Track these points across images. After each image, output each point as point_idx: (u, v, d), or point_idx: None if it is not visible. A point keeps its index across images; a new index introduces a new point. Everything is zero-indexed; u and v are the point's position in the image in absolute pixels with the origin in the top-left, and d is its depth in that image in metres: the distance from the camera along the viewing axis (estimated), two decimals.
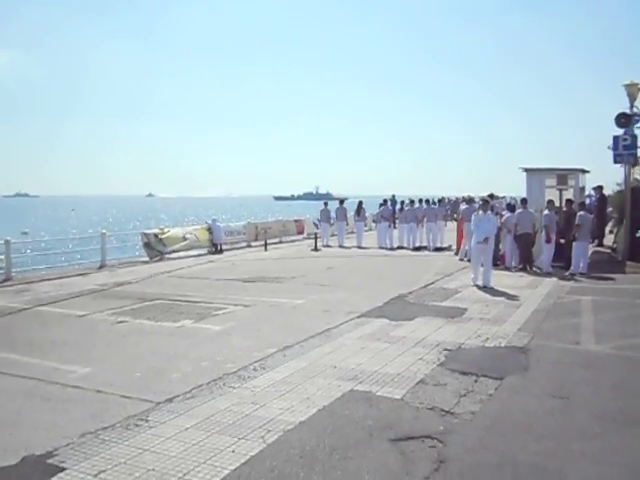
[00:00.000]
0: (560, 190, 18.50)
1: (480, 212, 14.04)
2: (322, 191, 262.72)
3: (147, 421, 5.68)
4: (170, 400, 6.26)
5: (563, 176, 17.92)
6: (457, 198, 41.79)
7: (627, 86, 16.67)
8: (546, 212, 15.82)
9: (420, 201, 24.08)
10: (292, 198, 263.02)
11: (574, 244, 15.26)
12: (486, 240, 13.53)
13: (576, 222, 15.19)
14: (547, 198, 16.57)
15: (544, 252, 15.86)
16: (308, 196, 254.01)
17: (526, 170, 17.31)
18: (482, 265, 13.70)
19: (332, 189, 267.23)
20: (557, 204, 17.97)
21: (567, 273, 14.91)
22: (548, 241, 15.66)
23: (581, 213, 15.42)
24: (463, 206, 21.19)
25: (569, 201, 16.70)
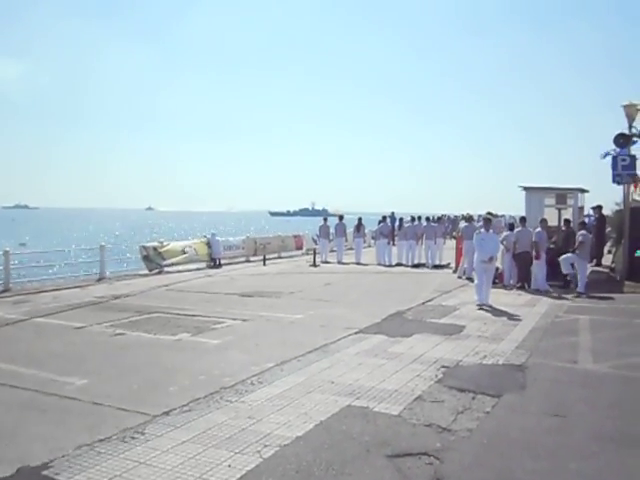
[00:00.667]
0: (559, 209, 18.58)
1: (482, 230, 13.91)
2: (318, 207, 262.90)
3: (143, 434, 5.66)
4: (167, 413, 6.24)
5: (562, 195, 18.03)
6: (456, 216, 41.91)
7: (626, 107, 16.78)
8: (538, 230, 15.83)
9: (419, 218, 24.15)
10: (288, 214, 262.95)
11: (577, 262, 15.24)
12: (491, 259, 13.41)
13: (579, 239, 15.21)
14: (544, 217, 16.59)
15: (537, 271, 15.84)
16: (304, 212, 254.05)
17: (525, 189, 17.40)
18: None
19: (328, 205, 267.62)
20: (556, 223, 18.05)
21: (573, 296, 14.85)
22: (537, 257, 15.67)
23: (582, 232, 15.45)
24: (462, 224, 21.25)
25: (567, 221, 16.77)
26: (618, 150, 16.85)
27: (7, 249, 16.76)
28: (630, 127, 16.80)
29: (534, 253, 15.71)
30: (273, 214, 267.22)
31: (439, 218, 25.42)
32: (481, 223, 16.43)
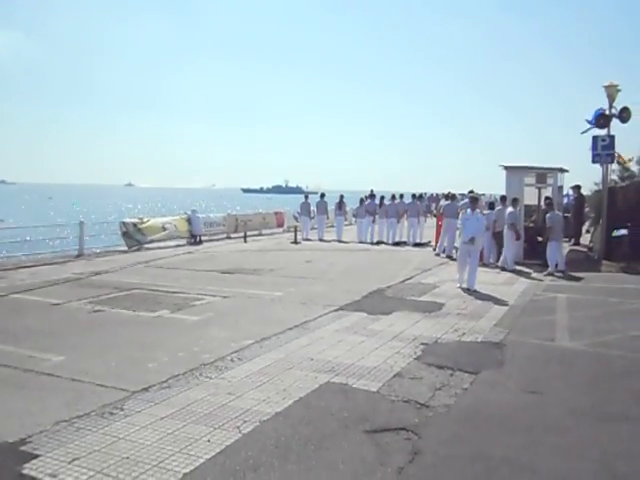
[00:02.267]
0: (539, 188, 18.70)
1: (468, 210, 13.45)
2: (292, 184, 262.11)
3: (122, 410, 5.65)
4: (146, 389, 6.23)
5: (542, 175, 18.12)
6: (437, 194, 41.96)
7: (607, 87, 16.83)
8: (510, 210, 15.87)
9: (401, 196, 24.15)
10: (261, 191, 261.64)
11: (548, 244, 15.34)
12: (472, 240, 12.85)
13: (547, 224, 15.29)
14: (516, 197, 16.55)
15: (509, 250, 15.89)
16: (277, 189, 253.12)
17: (506, 168, 17.44)
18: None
19: (302, 183, 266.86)
20: (535, 202, 18.17)
21: (545, 273, 14.96)
22: (518, 238, 15.79)
23: (549, 215, 15.44)
24: (444, 202, 21.27)
25: (548, 199, 16.85)
26: (591, 120, 17.00)
27: None
28: (610, 107, 16.87)
29: (512, 235, 15.71)
30: (246, 191, 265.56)
31: (420, 196, 25.34)
32: (465, 201, 16.38)
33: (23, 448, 4.80)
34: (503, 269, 15.66)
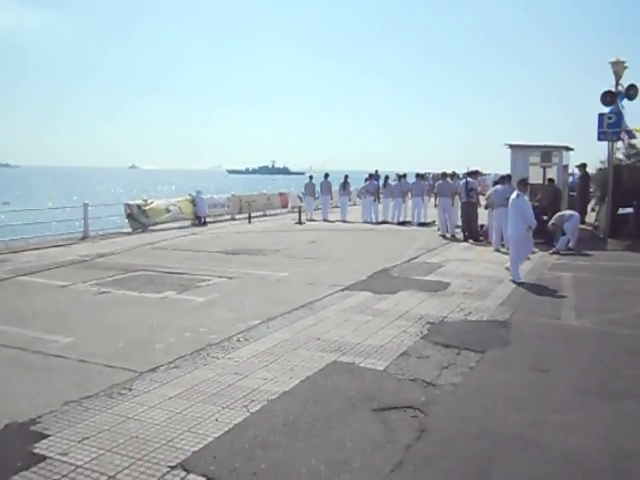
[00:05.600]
0: (544, 167, 18.59)
1: (520, 194, 11.50)
2: (278, 165, 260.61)
3: (131, 390, 5.69)
4: (154, 370, 6.27)
5: (547, 153, 18.02)
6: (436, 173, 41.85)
7: (613, 64, 16.68)
8: (502, 187, 15.33)
9: (405, 176, 24.07)
10: (247, 172, 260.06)
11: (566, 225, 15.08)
12: (530, 228, 11.52)
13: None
14: (508, 173, 16.35)
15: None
16: (263, 170, 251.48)
17: (511, 147, 17.35)
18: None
19: (289, 163, 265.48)
20: (541, 181, 18.07)
21: (550, 252, 14.85)
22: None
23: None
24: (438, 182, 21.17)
25: (550, 180, 16.82)
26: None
27: None
28: (617, 85, 16.73)
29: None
30: (231, 172, 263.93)
31: (423, 175, 25.26)
32: (499, 185, 15.69)
33: (33, 428, 4.84)
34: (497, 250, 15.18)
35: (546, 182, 17.41)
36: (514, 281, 11.12)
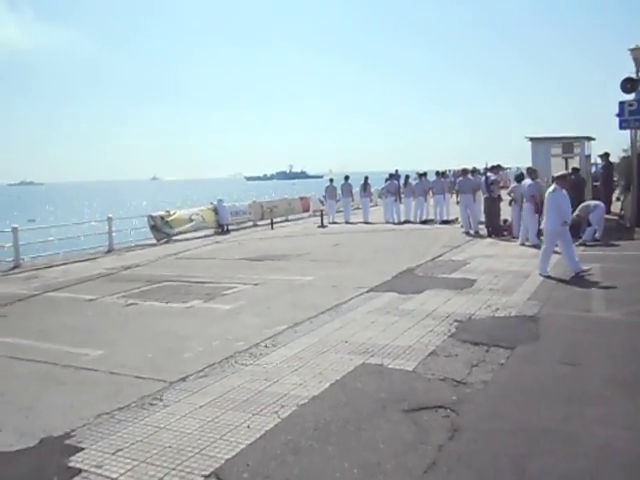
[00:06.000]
0: (566, 159, 18.41)
1: (557, 188, 11.23)
2: (296, 169, 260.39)
3: (161, 400, 5.72)
4: (183, 379, 6.30)
5: (569, 144, 17.85)
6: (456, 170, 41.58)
7: (633, 50, 16.45)
8: (529, 181, 15.16)
9: (425, 174, 23.97)
10: (265, 178, 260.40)
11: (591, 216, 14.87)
12: (565, 223, 11.17)
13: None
14: (534, 168, 16.22)
15: (529, 224, 15.13)
16: (281, 175, 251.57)
17: (531, 139, 17.23)
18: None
19: (307, 167, 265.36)
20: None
21: (577, 243, 14.61)
22: (538, 212, 14.59)
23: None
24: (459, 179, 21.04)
25: (575, 169, 16.59)
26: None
27: (15, 225, 16.82)
28: (638, 72, 16.50)
29: (532, 207, 14.70)
30: (249, 179, 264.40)
31: (443, 173, 25.16)
32: (533, 178, 15.36)
33: (68, 442, 4.89)
34: (529, 244, 14.95)
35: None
36: (541, 274, 11.00)
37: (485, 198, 17.80)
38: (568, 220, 11.27)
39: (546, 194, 11.45)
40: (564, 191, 11.18)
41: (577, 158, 17.87)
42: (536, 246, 14.65)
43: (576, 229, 15.01)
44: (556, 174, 12.10)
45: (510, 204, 16.90)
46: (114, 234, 19.36)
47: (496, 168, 19.14)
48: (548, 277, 10.82)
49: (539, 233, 14.57)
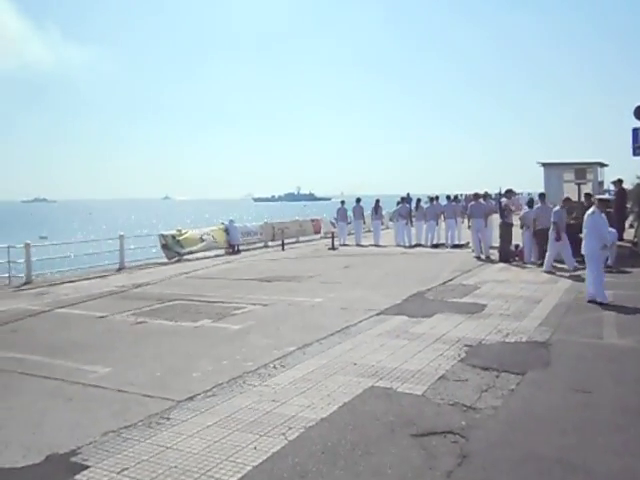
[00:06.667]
0: (579, 184, 18.34)
1: (596, 210, 11.00)
2: (304, 191, 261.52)
3: (169, 419, 5.70)
4: (191, 398, 6.27)
5: (581, 170, 17.79)
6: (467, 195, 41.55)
7: None
8: (556, 208, 15.01)
9: (437, 198, 24.00)
10: (273, 199, 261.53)
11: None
12: (605, 246, 11.07)
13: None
14: (567, 195, 16.21)
15: (563, 251, 14.98)
16: (289, 197, 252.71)
17: (544, 165, 17.20)
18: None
19: (315, 189, 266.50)
20: (576, 198, 17.80)
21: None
22: (557, 239, 14.73)
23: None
24: (471, 203, 20.99)
25: (588, 195, 16.50)
26: None
27: (28, 242, 16.92)
28: None
29: (554, 234, 14.70)
30: (257, 200, 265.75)
31: (455, 197, 25.21)
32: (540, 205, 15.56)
33: (73, 459, 4.87)
34: (570, 270, 14.68)
35: (582, 199, 17.13)
36: (602, 303, 10.57)
37: (500, 223, 17.73)
38: (608, 243, 11.13)
39: (585, 217, 11.21)
40: (603, 215, 10.96)
41: (590, 184, 17.79)
42: (549, 272, 14.54)
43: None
44: (598, 196, 12.10)
45: (521, 228, 16.86)
46: (126, 252, 19.42)
47: (509, 193, 19.12)
48: (607, 304, 10.50)
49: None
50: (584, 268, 11.92)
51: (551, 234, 14.81)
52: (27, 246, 16.47)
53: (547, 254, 15.04)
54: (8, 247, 16.76)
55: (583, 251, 11.14)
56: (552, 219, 14.76)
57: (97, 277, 16.71)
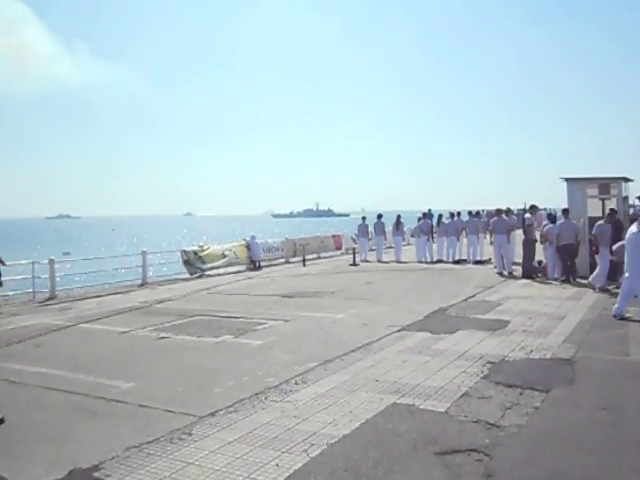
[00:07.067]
0: (602, 200, 18.13)
1: (638, 228, 10.69)
2: (323, 207, 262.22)
3: (190, 435, 5.69)
4: (213, 414, 6.27)
5: (605, 185, 17.56)
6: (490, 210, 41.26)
7: None
8: (599, 222, 14.83)
9: (459, 214, 23.89)
10: (291, 215, 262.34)
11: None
12: None
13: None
14: (613, 207, 15.95)
15: (598, 265, 14.56)
16: (308, 213, 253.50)
17: (567, 180, 17.02)
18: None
19: (333, 205, 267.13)
20: (599, 214, 17.61)
21: (614, 286, 14.12)
22: (596, 252, 14.51)
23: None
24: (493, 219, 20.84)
25: (612, 211, 16.29)
26: None
27: (52, 258, 17.12)
28: None
29: (605, 248, 14.16)
30: (276, 216, 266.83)
31: (477, 213, 25.10)
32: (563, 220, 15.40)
33: (96, 474, 4.88)
34: (597, 288, 14.23)
35: (607, 214, 16.89)
36: (614, 316, 10.67)
37: (523, 239, 17.59)
38: None
39: (627, 235, 10.95)
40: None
41: (614, 199, 17.57)
42: (603, 290, 14.11)
43: (613, 271, 14.69)
44: None
45: (542, 244, 16.71)
46: (149, 268, 19.58)
47: (533, 209, 18.98)
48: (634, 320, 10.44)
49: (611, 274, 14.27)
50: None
51: (602, 248, 14.38)
52: (51, 262, 16.66)
53: (599, 269, 14.55)
54: (33, 263, 17.00)
55: (627, 271, 10.81)
56: (594, 232, 14.50)
57: (120, 293, 16.84)
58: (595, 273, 14.65)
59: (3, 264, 15.58)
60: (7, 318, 12.92)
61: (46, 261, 16.88)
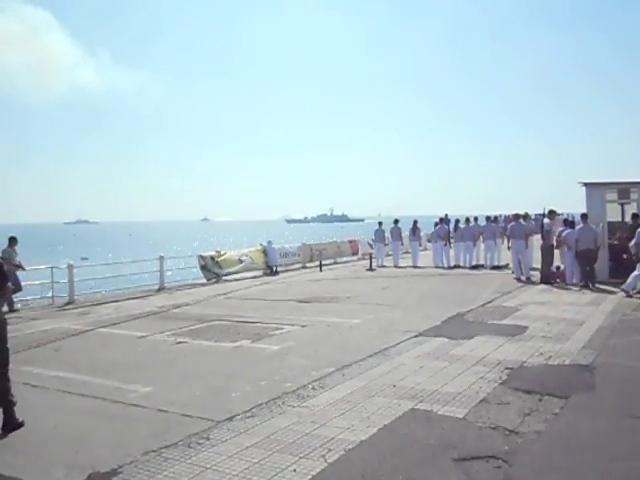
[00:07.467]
0: (622, 204, 17.96)
1: None
2: (337, 212, 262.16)
3: (208, 439, 5.70)
4: (230, 419, 6.27)
5: (624, 190, 17.38)
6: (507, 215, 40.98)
7: None
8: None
9: (476, 219, 23.79)
10: (305, 221, 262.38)
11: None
12: None
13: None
14: (602, 213, 15.92)
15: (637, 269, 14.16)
16: (322, 218, 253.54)
17: (585, 185, 16.88)
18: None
19: (347, 210, 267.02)
20: (619, 219, 17.46)
21: (635, 292, 13.99)
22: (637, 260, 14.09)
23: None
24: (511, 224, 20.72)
25: (635, 215, 16.08)
26: None
27: (71, 263, 17.26)
28: None
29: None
30: (290, 221, 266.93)
31: (495, 218, 24.95)
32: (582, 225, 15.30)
33: (115, 479, 4.90)
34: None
35: (627, 219, 16.68)
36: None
37: (541, 245, 17.47)
38: None
39: None
40: None
41: (634, 204, 17.39)
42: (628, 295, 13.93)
43: (629, 270, 14.45)
44: None
45: (556, 248, 16.58)
46: (167, 273, 19.67)
47: (552, 214, 18.86)
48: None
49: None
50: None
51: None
52: (70, 267, 16.79)
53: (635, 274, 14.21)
54: (52, 268, 17.18)
55: None
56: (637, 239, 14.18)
57: (138, 297, 16.92)
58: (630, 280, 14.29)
59: (23, 269, 15.74)
60: (27, 322, 13.02)
61: (65, 266, 17.02)
